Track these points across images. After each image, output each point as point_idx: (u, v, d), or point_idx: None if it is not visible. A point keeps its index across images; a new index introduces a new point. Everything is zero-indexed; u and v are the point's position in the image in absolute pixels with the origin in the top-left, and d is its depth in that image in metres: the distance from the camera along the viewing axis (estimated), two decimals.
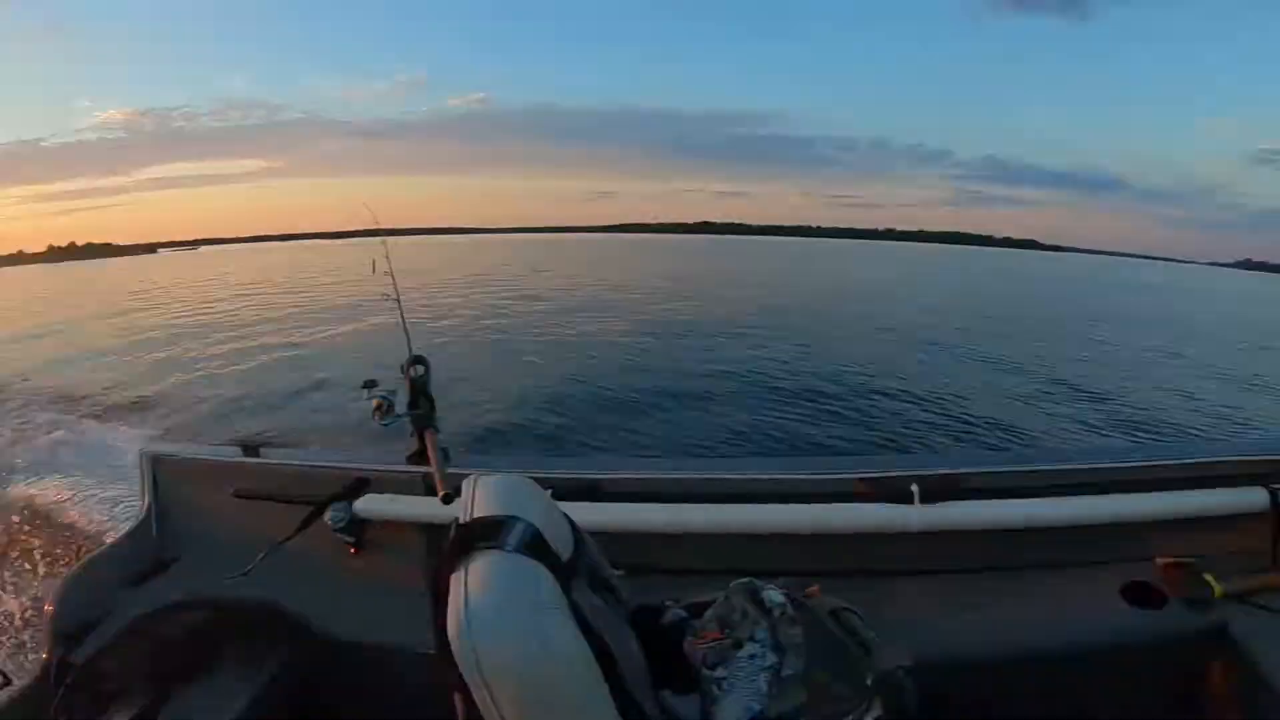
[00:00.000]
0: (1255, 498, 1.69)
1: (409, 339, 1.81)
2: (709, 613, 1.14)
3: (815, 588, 1.17)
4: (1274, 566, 1.64)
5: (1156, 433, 7.91)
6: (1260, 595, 1.57)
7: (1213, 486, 1.71)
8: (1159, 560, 1.63)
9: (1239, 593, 1.57)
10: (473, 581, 0.79)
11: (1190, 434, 7.99)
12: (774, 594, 1.05)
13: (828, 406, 8.68)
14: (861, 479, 1.60)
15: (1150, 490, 1.69)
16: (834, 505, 1.57)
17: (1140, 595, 1.56)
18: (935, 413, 8.59)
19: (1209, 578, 1.56)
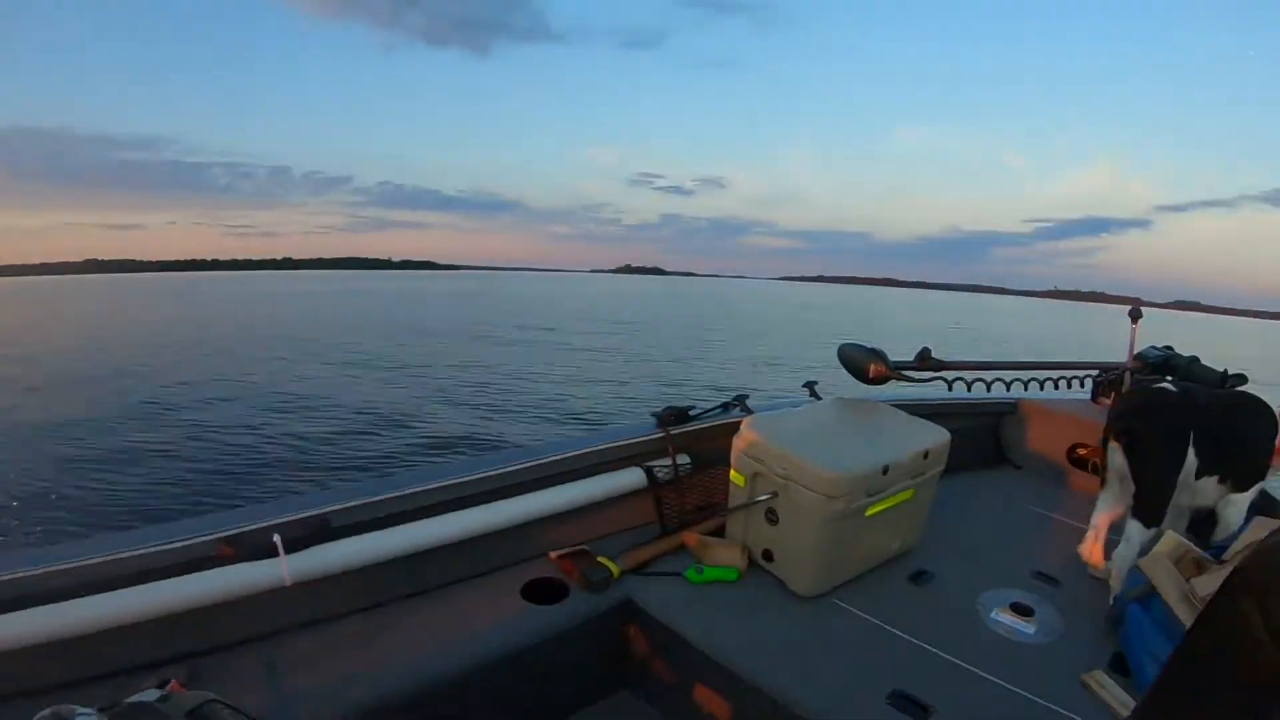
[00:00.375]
0: (635, 477, 1.86)
1: None
2: None
3: (174, 682, 1.12)
4: (662, 535, 1.79)
5: (548, 429, 8.74)
6: (654, 563, 1.69)
7: (597, 474, 1.82)
8: (553, 554, 1.67)
9: (635, 566, 1.66)
10: None
11: (571, 428, 8.92)
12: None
13: (165, 463, 6.94)
14: (220, 539, 1.43)
15: (541, 489, 1.73)
16: (195, 576, 1.38)
17: (542, 591, 1.58)
18: (295, 451, 7.55)
19: (604, 560, 1.62)
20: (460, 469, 1.65)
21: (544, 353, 15.79)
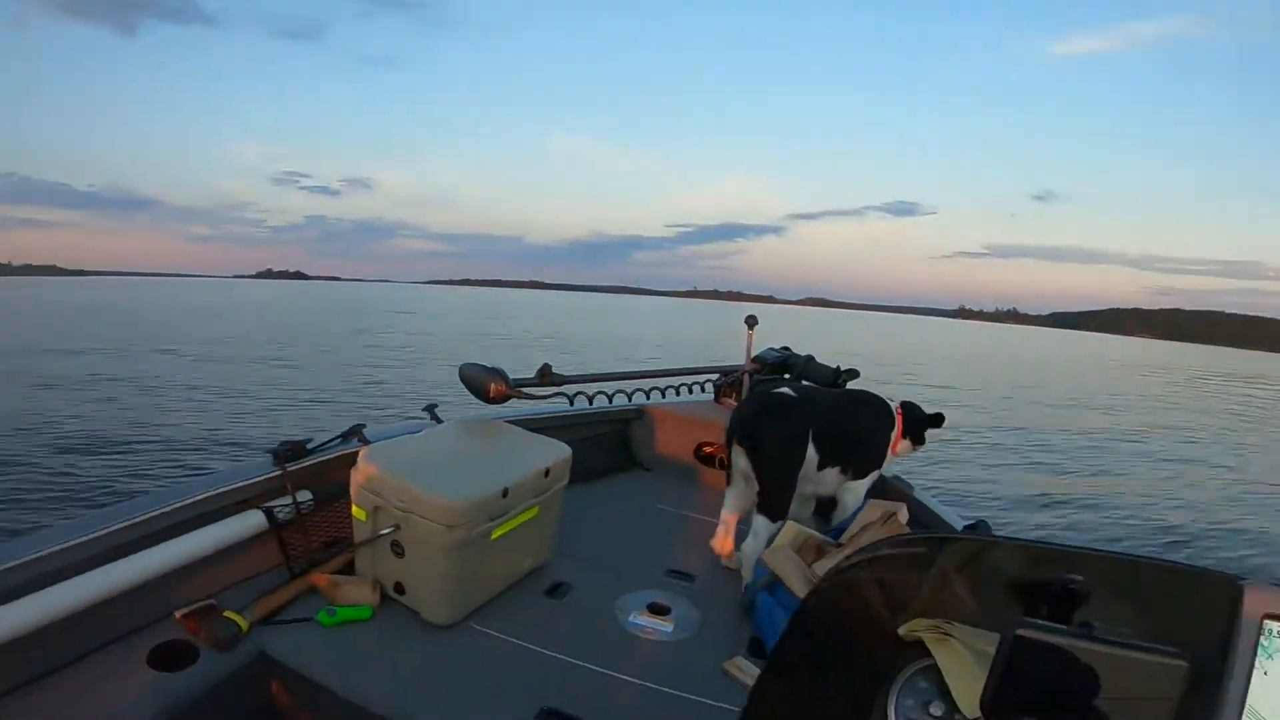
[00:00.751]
0: (255, 521, 1.74)
1: None
2: None
3: None
4: (291, 579, 1.70)
5: (159, 476, 7.03)
6: (284, 610, 1.61)
7: (215, 521, 1.67)
8: (178, 614, 1.52)
9: (265, 615, 1.57)
10: None
11: (186, 474, 7.28)
12: None
13: None
14: None
15: (156, 543, 1.54)
16: None
17: (170, 657, 1.43)
18: None
19: (231, 614, 1.51)
20: (58, 535, 1.43)
21: (154, 380, 12.53)
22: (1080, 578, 0.65)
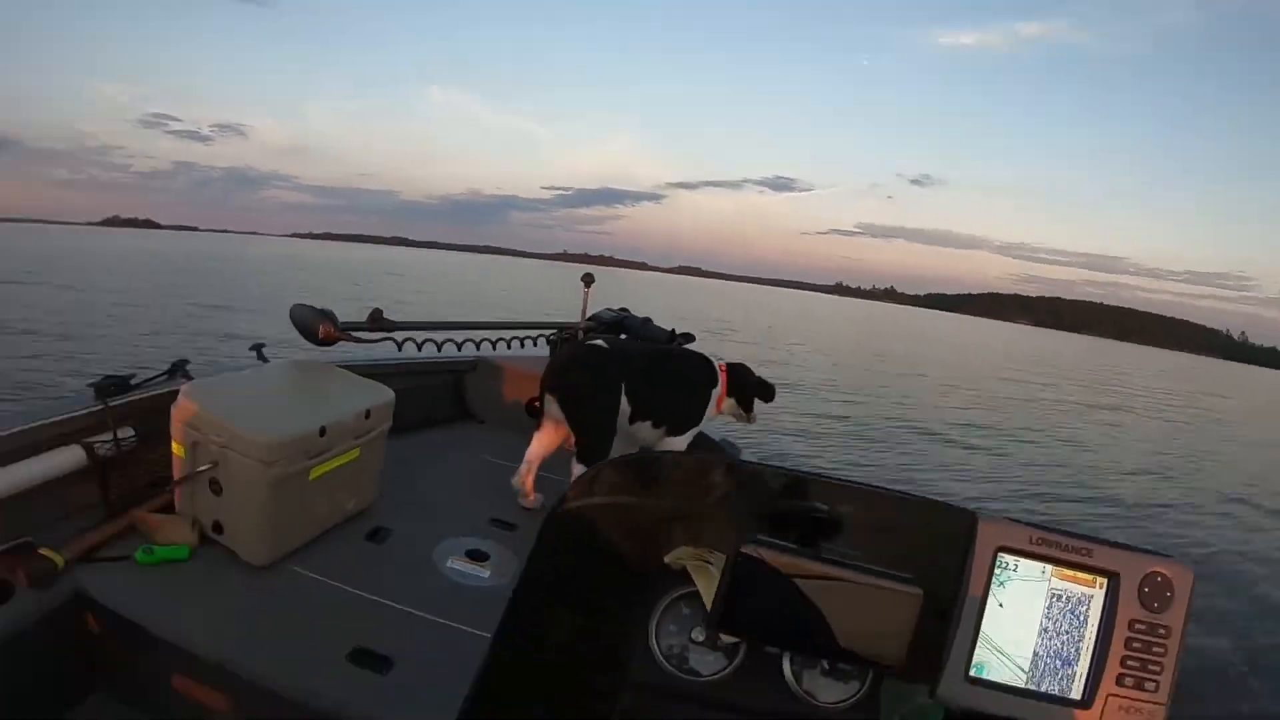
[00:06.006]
0: (74, 456, 1.70)
1: None
2: None
3: None
4: (109, 517, 1.71)
5: None
6: (103, 548, 1.63)
7: (29, 457, 1.64)
8: None
9: (82, 553, 1.58)
10: None
11: None
12: None
13: None
14: None
15: None
16: None
17: None
18: None
19: (47, 551, 1.52)
20: None
21: None
22: (825, 506, 0.65)
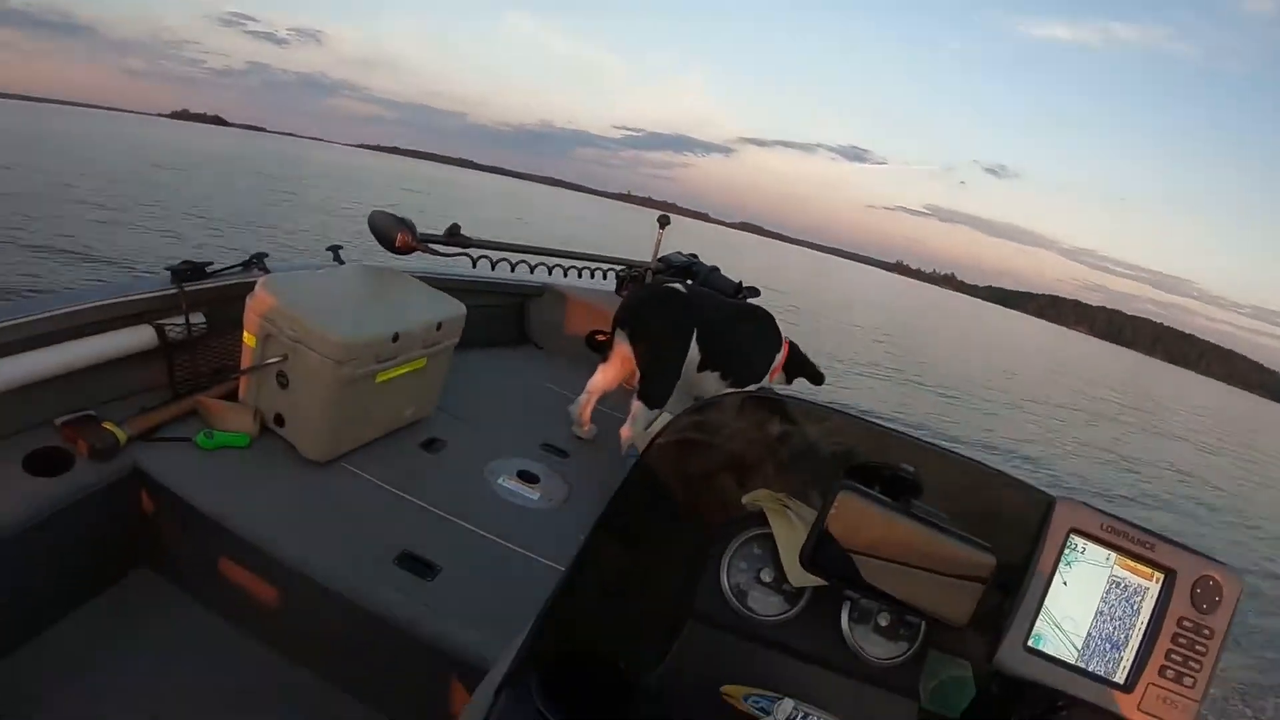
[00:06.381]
0: (144, 336, 1.71)
1: None
2: None
3: None
4: (174, 399, 1.72)
5: (47, 279, 6.71)
6: (164, 429, 1.63)
7: (101, 333, 1.64)
8: (58, 421, 1.51)
9: (143, 431, 1.59)
10: None
11: (73, 284, 6.87)
12: None
13: None
14: None
15: (39, 347, 1.51)
16: None
17: (46, 462, 1.42)
18: None
19: (110, 426, 1.52)
20: None
21: (52, 201, 11.40)
22: (912, 468, 0.68)
